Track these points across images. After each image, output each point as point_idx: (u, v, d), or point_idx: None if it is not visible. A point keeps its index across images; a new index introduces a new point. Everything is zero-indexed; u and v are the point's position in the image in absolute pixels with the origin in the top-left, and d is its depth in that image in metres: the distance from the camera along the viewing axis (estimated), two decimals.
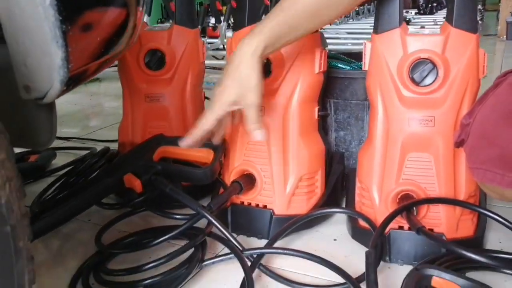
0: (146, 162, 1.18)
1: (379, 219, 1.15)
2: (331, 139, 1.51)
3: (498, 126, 0.89)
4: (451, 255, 1.06)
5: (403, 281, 0.92)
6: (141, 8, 0.81)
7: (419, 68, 1.11)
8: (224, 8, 4.45)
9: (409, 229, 1.11)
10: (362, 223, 1.20)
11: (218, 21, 4.16)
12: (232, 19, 4.44)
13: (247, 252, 1.09)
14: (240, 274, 1.03)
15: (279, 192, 1.26)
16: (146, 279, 1.03)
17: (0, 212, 0.51)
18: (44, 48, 0.61)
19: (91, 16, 0.68)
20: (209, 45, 3.89)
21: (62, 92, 0.67)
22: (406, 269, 1.07)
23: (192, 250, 1.11)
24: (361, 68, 1.30)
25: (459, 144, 1.00)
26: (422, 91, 1.11)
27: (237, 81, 0.94)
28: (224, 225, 1.12)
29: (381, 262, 1.11)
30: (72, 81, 0.67)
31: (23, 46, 0.61)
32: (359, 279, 1.03)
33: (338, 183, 1.40)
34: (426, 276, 0.87)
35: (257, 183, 1.26)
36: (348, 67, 1.47)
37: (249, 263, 1.07)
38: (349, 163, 1.49)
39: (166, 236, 1.09)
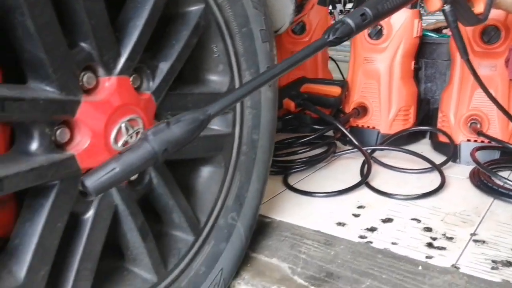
0: (297, 92, 1.80)
1: (454, 135, 1.69)
2: (421, 89, 2.04)
3: None
4: (504, 158, 1.59)
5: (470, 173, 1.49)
6: None
7: (487, 31, 1.63)
8: None
9: (475, 141, 1.64)
10: (441, 138, 1.74)
11: (333, 7, 4.74)
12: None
13: (364, 148, 1.68)
14: (358, 163, 1.62)
15: (384, 118, 1.83)
16: (298, 159, 1.64)
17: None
18: (285, 4, 1.23)
19: None
20: None
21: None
22: (470, 167, 1.62)
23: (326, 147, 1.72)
24: (445, 38, 1.83)
25: (506, 62, 1.52)
26: (489, 48, 1.63)
27: None
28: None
29: (453, 164, 1.65)
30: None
31: (272, 4, 1.23)
32: (441, 165, 1.58)
33: (424, 119, 1.94)
34: None
35: (369, 111, 1.84)
36: (436, 36, 2.00)
37: None
38: (433, 106, 2.02)
39: (312, 136, 1.71)
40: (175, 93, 0.89)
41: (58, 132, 0.69)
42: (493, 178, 1.47)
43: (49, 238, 0.69)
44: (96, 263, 0.77)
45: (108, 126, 0.75)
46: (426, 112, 1.96)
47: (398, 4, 0.98)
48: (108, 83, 0.75)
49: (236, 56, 1.01)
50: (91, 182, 0.60)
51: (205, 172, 1.01)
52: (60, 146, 0.70)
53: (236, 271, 1.07)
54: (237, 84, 1.02)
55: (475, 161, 1.53)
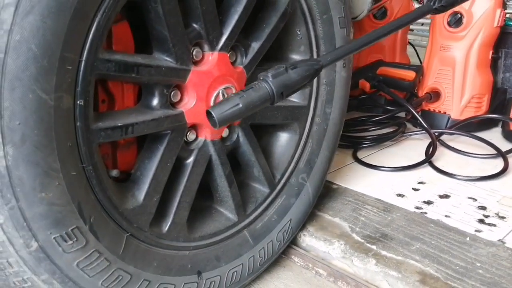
0: (373, 74, 1.92)
1: None
2: (498, 78, 2.08)
3: None
4: None
5: None
6: None
7: None
8: None
9: None
10: None
11: None
12: None
13: (432, 131, 1.77)
14: (425, 144, 1.73)
15: (456, 104, 1.91)
16: (369, 136, 1.78)
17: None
18: None
19: None
20: None
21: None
22: None
23: (396, 127, 1.84)
24: None
25: None
26: None
27: None
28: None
29: None
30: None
31: None
32: (507, 152, 1.65)
33: (498, 108, 1.99)
34: None
35: (441, 97, 1.93)
36: None
37: None
38: (509, 96, 2.06)
39: (384, 116, 1.83)
40: (262, 68, 1.07)
41: (172, 93, 0.90)
42: None
43: (161, 174, 0.91)
44: (192, 198, 0.98)
45: (210, 91, 0.94)
46: (501, 101, 2.01)
47: None
48: (211, 57, 0.95)
49: (316, 39, 1.17)
50: (217, 113, 0.69)
51: (283, 137, 1.19)
52: (173, 104, 0.91)
53: (303, 225, 1.25)
54: None
55: None
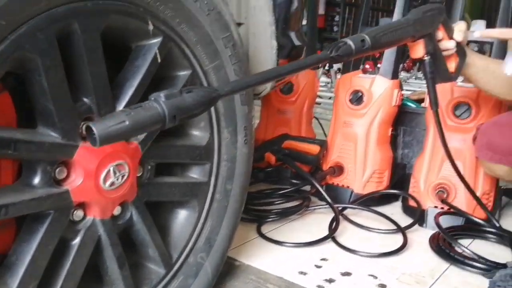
0: (278, 148, 1.96)
1: (422, 200, 1.83)
2: (398, 155, 2.19)
3: (489, 126, 1.56)
4: (466, 225, 1.72)
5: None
6: None
7: (459, 107, 1.79)
8: None
9: (441, 208, 1.77)
10: (411, 202, 1.88)
11: (330, 66, 4.93)
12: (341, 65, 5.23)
13: (335, 205, 1.81)
14: (329, 218, 1.75)
15: (358, 178, 1.97)
16: (273, 210, 1.78)
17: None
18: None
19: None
20: None
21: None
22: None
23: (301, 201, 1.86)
24: (423, 109, 2.01)
25: (473, 140, 1.66)
26: (460, 122, 1.79)
27: None
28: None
29: (419, 227, 1.78)
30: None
31: (255, 71, 1.41)
32: (405, 228, 1.71)
33: (398, 183, 2.08)
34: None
35: (344, 171, 1.99)
36: (415, 106, 2.17)
37: None
38: (408, 171, 2.17)
39: (289, 189, 1.85)
40: (159, 144, 1.04)
41: (57, 170, 0.84)
42: (452, 244, 1.59)
43: (40, 258, 0.83)
44: (77, 283, 0.90)
45: (99, 168, 0.89)
46: (401, 177, 2.11)
47: (394, 40, 1.11)
48: None
49: (217, 115, 1.16)
50: (99, 129, 0.61)
51: (181, 214, 1.15)
52: (58, 182, 0.85)
53: None
54: (216, 140, 1.17)
55: (438, 225, 1.67)
